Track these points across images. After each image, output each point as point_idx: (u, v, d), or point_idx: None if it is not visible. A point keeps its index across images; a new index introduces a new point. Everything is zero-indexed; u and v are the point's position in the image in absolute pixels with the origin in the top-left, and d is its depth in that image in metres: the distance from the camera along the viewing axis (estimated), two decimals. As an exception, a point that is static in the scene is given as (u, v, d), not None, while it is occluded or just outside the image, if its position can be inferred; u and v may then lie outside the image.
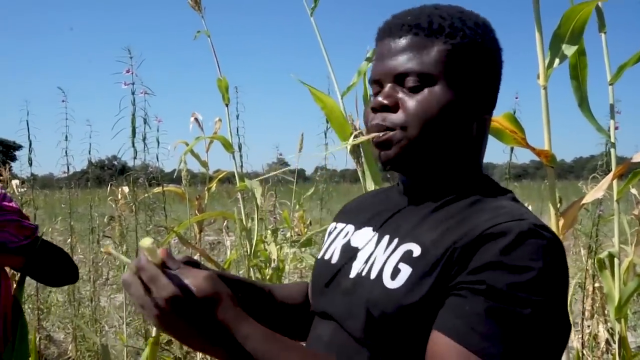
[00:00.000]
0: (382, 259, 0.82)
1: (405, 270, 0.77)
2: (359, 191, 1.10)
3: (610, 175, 1.54)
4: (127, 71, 2.68)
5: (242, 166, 2.83)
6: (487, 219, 0.75)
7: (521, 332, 0.67)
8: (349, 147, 1.49)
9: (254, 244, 2.27)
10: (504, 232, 0.71)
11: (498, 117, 1.45)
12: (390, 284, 0.77)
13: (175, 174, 2.66)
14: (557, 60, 1.46)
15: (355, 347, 0.80)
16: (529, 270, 0.68)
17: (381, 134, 0.84)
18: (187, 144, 2.60)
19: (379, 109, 0.84)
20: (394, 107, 0.83)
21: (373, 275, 0.81)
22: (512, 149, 2.83)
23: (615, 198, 1.66)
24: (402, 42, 0.83)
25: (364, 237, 0.90)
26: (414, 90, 0.82)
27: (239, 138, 2.87)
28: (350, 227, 0.96)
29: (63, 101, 3.36)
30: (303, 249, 3.34)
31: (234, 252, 2.99)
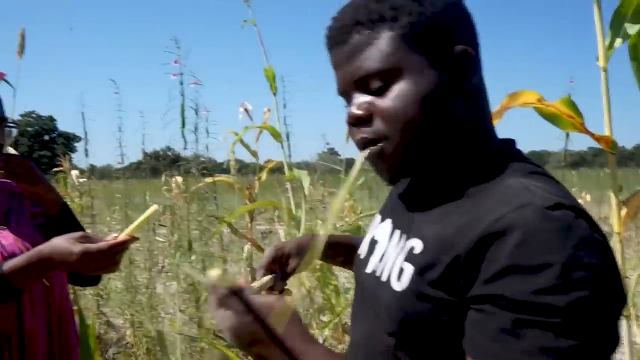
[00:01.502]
0: (393, 258, 0.78)
1: (408, 270, 0.72)
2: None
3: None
4: (175, 62, 2.72)
5: (290, 155, 2.84)
6: (489, 209, 0.66)
7: (558, 343, 0.58)
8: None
9: (302, 232, 2.27)
10: (508, 229, 0.62)
11: (555, 102, 1.38)
12: (396, 285, 0.73)
13: (226, 164, 2.70)
14: (618, 40, 1.38)
15: (385, 350, 0.76)
16: (548, 268, 0.59)
17: (370, 150, 0.77)
18: (236, 134, 2.62)
19: (355, 122, 0.78)
20: (368, 118, 0.76)
21: (384, 277, 0.78)
22: (567, 135, 2.72)
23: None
24: (349, 45, 0.76)
25: (384, 230, 0.87)
26: (381, 92, 0.75)
27: (286, 127, 2.88)
28: (379, 218, 0.94)
29: (116, 93, 3.45)
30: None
31: (284, 242, 3.00)
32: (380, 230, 0.89)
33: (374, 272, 0.83)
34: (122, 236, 1.15)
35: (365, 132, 0.77)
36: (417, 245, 0.73)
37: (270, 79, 2.11)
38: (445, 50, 0.74)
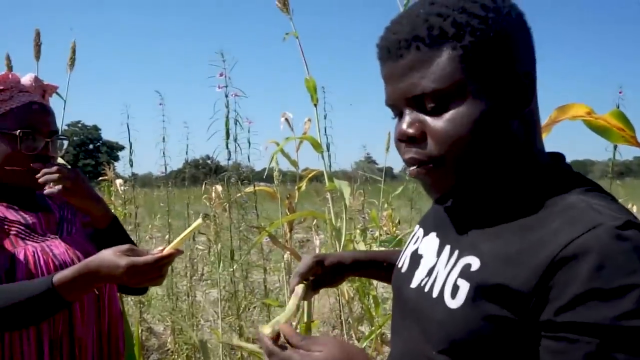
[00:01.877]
0: (444, 274, 0.76)
1: (464, 287, 0.71)
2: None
3: None
4: (221, 75, 2.76)
5: (330, 166, 2.85)
6: (556, 230, 0.65)
7: None
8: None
9: (342, 243, 2.27)
10: (583, 252, 0.61)
11: (605, 115, 1.36)
12: (451, 303, 0.72)
13: (266, 173, 2.72)
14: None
15: None
16: (631, 291, 0.58)
17: (418, 170, 0.76)
18: (277, 144, 2.64)
19: (406, 140, 0.76)
20: (421, 137, 0.74)
21: (435, 293, 0.76)
22: (615, 146, 2.65)
23: None
24: (405, 61, 0.72)
25: (429, 245, 0.85)
26: (437, 112, 0.72)
27: (327, 138, 2.89)
28: (421, 232, 0.92)
29: (160, 104, 3.52)
30: (392, 249, 3.30)
31: (323, 252, 3.01)
32: (425, 244, 0.87)
33: (420, 286, 0.81)
34: (168, 250, 1.16)
35: (415, 152, 0.75)
36: (474, 262, 0.72)
37: (311, 89, 2.12)
38: (506, 72, 0.72)
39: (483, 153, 0.72)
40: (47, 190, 1.27)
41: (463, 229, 0.79)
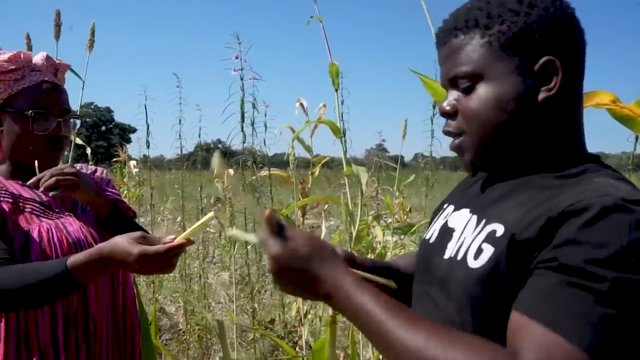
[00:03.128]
0: (470, 239, 0.81)
1: (488, 250, 0.76)
2: (459, 179, 1.08)
3: None
4: (236, 57, 2.75)
5: (346, 151, 2.84)
6: (570, 195, 0.71)
7: (596, 308, 0.62)
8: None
9: (357, 228, 2.28)
10: (585, 208, 0.67)
11: (630, 104, 1.35)
12: (472, 263, 0.77)
13: (285, 157, 2.72)
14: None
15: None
16: (608, 246, 0.63)
17: (452, 142, 0.87)
18: (292, 129, 2.64)
19: (443, 115, 0.87)
20: (454, 114, 0.85)
21: (460, 256, 0.81)
22: (636, 138, 2.62)
23: None
24: (447, 47, 0.85)
25: (460, 218, 0.90)
26: (467, 91, 0.83)
27: (343, 124, 2.88)
28: (451, 208, 0.96)
29: (178, 86, 3.53)
30: (404, 237, 3.31)
31: (336, 236, 3.02)
32: (456, 218, 0.91)
33: (451, 256, 0.85)
34: (179, 239, 1.16)
35: (449, 126, 0.87)
36: (499, 228, 0.77)
37: (333, 74, 2.11)
38: (532, 60, 0.79)
39: (501, 132, 0.81)
40: (52, 192, 1.26)
41: (493, 201, 0.85)
